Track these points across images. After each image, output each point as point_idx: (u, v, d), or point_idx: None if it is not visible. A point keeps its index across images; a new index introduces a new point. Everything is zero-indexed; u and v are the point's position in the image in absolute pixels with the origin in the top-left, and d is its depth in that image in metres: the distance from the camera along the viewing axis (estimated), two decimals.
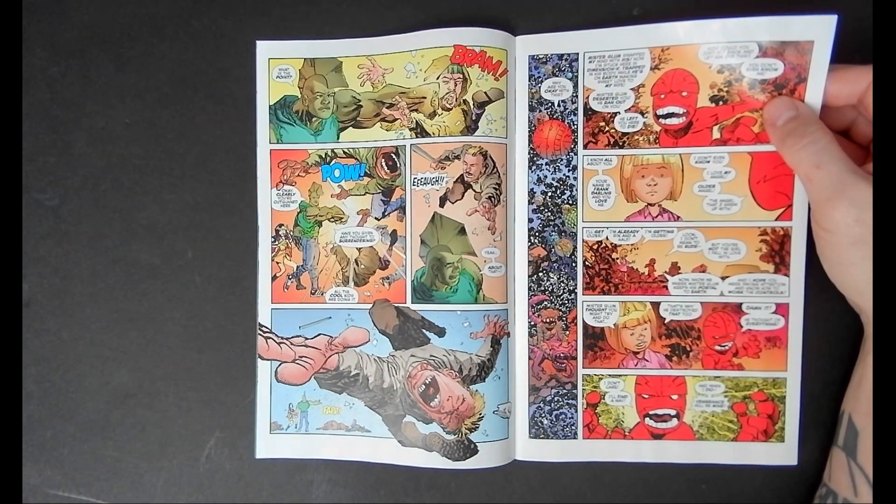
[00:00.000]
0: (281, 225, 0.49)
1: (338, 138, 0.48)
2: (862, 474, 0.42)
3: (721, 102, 0.45)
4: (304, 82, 0.49)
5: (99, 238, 0.49)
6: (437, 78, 0.47)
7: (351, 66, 0.48)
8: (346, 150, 0.48)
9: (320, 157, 0.48)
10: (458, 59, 0.46)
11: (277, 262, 0.49)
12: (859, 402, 0.43)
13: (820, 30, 0.42)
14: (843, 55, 0.43)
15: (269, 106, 0.49)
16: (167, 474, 0.50)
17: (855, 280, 0.41)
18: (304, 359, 0.48)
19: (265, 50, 0.49)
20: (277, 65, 0.49)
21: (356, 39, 0.48)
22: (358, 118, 0.48)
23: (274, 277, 0.49)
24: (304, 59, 0.49)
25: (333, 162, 0.48)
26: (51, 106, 0.50)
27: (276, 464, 0.50)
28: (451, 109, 0.47)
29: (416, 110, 0.47)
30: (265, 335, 0.48)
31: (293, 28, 0.49)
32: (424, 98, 0.47)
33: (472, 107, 0.47)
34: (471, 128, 0.47)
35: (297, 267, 0.49)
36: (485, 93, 0.46)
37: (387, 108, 0.48)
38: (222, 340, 0.49)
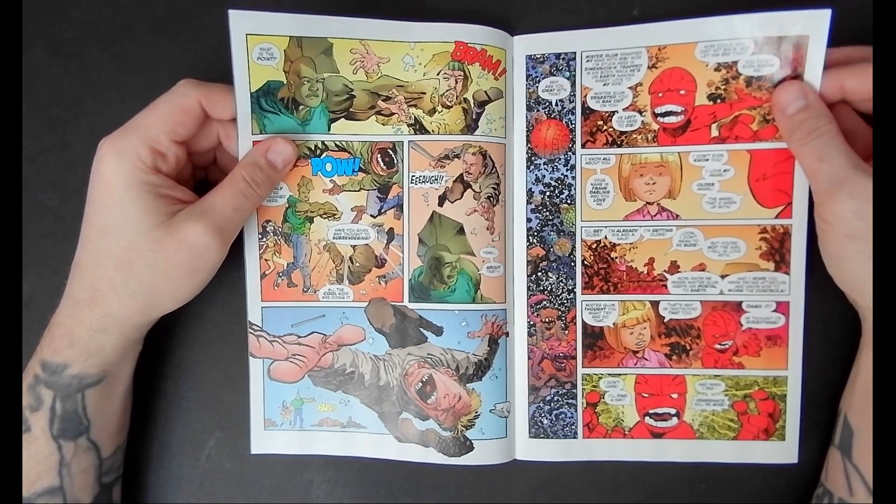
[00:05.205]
0: (268, 221, 0.47)
1: (328, 130, 0.46)
2: (857, 474, 0.42)
3: (719, 100, 0.45)
4: (290, 65, 0.45)
5: None
6: (438, 74, 0.46)
7: (343, 49, 0.46)
8: (338, 143, 0.47)
9: (309, 149, 0.47)
10: (460, 55, 0.46)
11: (266, 260, 0.47)
12: (854, 401, 0.43)
13: (814, 24, 0.42)
14: None
15: (251, 93, 0.45)
16: (167, 474, 0.50)
17: (851, 274, 0.42)
18: (297, 357, 0.48)
19: (241, 23, 0.44)
20: (258, 43, 0.44)
21: (349, 18, 0.45)
22: (350, 109, 0.46)
23: (263, 275, 0.47)
24: (290, 37, 0.45)
25: (325, 155, 0.47)
26: (51, 106, 0.50)
27: (277, 463, 0.50)
28: (451, 107, 0.46)
29: (415, 106, 0.47)
30: (256, 333, 0.48)
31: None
32: (424, 94, 0.46)
33: (472, 106, 0.46)
34: (471, 127, 0.46)
35: (288, 264, 0.47)
36: (485, 92, 0.46)
37: (383, 100, 0.46)
38: (221, 340, 0.50)
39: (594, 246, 0.47)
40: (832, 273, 0.43)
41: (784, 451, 0.46)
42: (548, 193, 0.47)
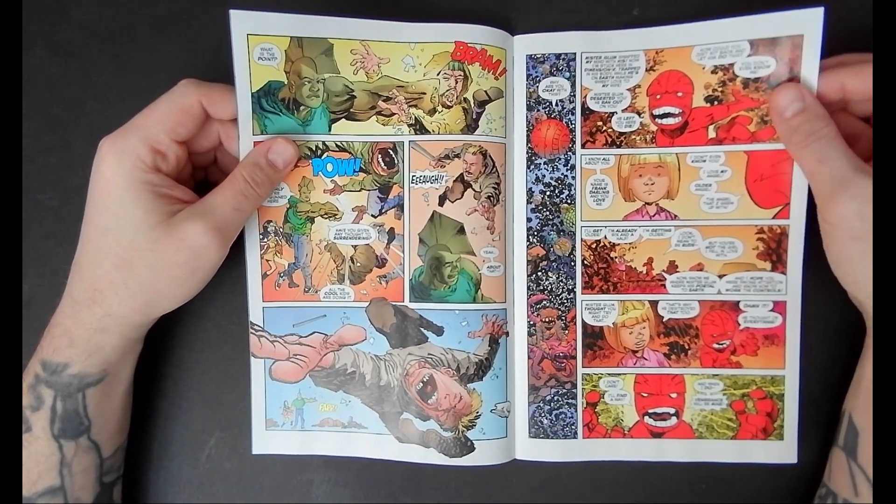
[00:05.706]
0: (269, 221, 0.47)
1: (329, 130, 0.47)
2: (862, 474, 0.42)
3: (716, 102, 0.45)
4: (291, 66, 0.45)
5: None
6: (438, 74, 0.46)
7: (343, 49, 0.46)
8: (338, 144, 0.47)
9: (310, 149, 0.47)
10: (460, 55, 0.46)
11: (267, 260, 0.47)
12: (859, 402, 0.43)
13: (808, 23, 0.42)
14: (833, 48, 0.43)
15: (252, 93, 0.45)
16: (167, 474, 0.50)
17: (855, 275, 0.41)
18: (298, 357, 0.48)
19: (242, 23, 0.44)
20: (259, 43, 0.44)
21: (349, 19, 0.45)
22: (351, 109, 0.47)
23: (264, 275, 0.47)
24: (291, 37, 0.45)
25: (325, 156, 0.47)
26: (51, 106, 0.50)
27: (277, 463, 0.50)
28: (451, 107, 0.47)
29: (415, 106, 0.47)
30: (257, 333, 0.48)
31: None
32: (424, 94, 0.46)
33: (472, 105, 0.47)
34: (471, 126, 0.47)
35: (289, 264, 0.47)
36: (485, 92, 0.46)
37: (383, 101, 0.47)
38: (221, 340, 0.50)
39: (594, 246, 0.47)
40: (837, 274, 0.43)
41: (783, 450, 0.46)
42: (548, 193, 0.47)
